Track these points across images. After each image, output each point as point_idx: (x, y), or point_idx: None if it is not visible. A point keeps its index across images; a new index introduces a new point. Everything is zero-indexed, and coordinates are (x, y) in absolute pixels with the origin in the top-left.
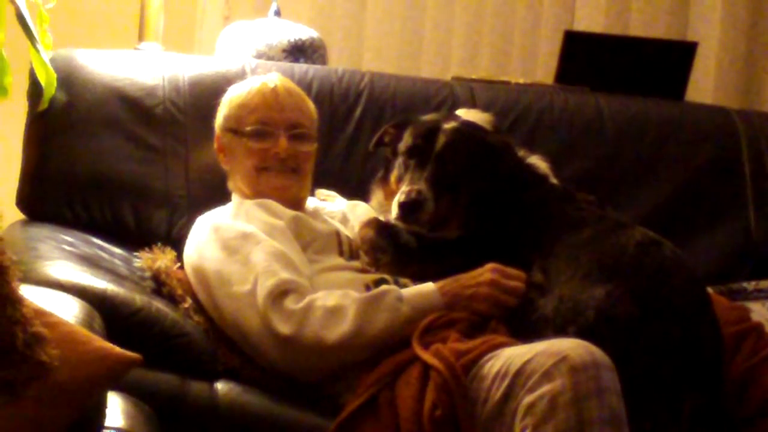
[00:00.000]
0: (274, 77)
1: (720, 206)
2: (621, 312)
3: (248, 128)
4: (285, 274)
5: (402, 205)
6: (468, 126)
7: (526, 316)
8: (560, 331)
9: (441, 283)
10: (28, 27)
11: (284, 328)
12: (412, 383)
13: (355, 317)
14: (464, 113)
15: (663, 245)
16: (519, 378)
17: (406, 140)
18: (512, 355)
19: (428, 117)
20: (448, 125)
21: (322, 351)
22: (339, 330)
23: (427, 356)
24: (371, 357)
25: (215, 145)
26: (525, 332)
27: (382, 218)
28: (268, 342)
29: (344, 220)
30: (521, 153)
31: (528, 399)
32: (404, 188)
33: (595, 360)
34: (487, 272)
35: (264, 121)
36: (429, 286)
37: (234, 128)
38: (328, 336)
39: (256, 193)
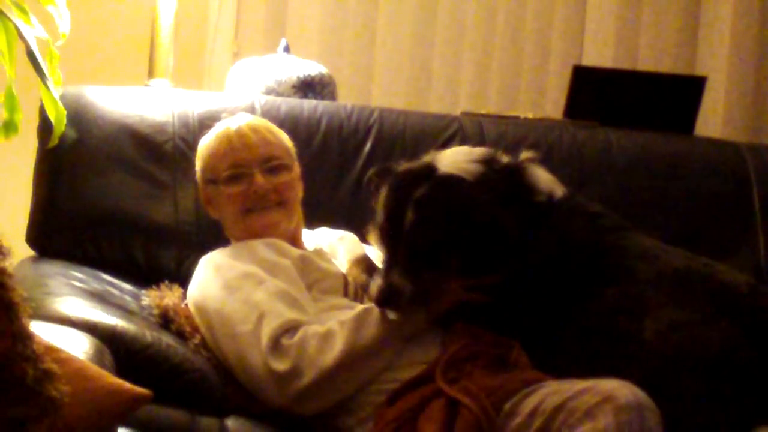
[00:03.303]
0: (238, 119)
1: (729, 240)
2: (744, 355)
3: (222, 175)
4: (290, 314)
5: (377, 302)
6: (442, 187)
7: (619, 342)
8: (668, 361)
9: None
10: (38, 64)
11: (281, 365)
12: (436, 419)
13: (346, 336)
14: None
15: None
16: (558, 414)
17: (379, 212)
18: (548, 393)
19: (406, 167)
20: (418, 193)
21: (322, 377)
22: (333, 351)
23: (455, 393)
24: (386, 393)
25: (201, 198)
26: (617, 358)
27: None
28: (270, 383)
29: (332, 254)
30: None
31: None
32: (378, 281)
33: (639, 402)
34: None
35: (235, 164)
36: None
37: (211, 179)
38: (325, 360)
39: (249, 236)
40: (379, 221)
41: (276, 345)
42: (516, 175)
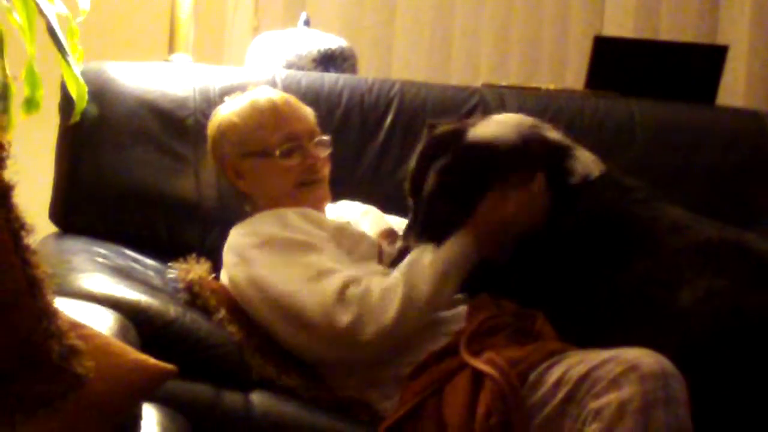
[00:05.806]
0: (272, 92)
1: (752, 210)
2: None
3: (279, 148)
4: (349, 271)
5: (393, 262)
6: (465, 155)
7: (654, 311)
8: (707, 329)
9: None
10: (59, 40)
11: (345, 317)
12: (461, 390)
13: (403, 289)
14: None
15: None
16: (583, 384)
17: (408, 168)
18: (573, 363)
19: (437, 134)
20: (440, 163)
21: (381, 332)
22: (393, 306)
23: (480, 364)
24: (412, 366)
25: (228, 174)
26: (652, 327)
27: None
28: (330, 335)
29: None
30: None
31: (594, 405)
32: (398, 242)
33: (664, 370)
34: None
35: (290, 137)
36: (459, 235)
37: (257, 151)
38: (386, 316)
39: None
40: (407, 177)
41: (342, 296)
42: (554, 155)
